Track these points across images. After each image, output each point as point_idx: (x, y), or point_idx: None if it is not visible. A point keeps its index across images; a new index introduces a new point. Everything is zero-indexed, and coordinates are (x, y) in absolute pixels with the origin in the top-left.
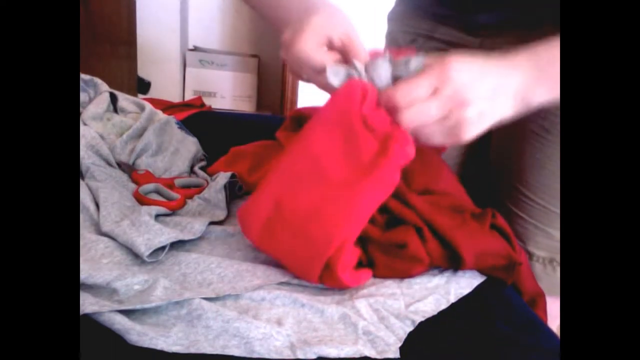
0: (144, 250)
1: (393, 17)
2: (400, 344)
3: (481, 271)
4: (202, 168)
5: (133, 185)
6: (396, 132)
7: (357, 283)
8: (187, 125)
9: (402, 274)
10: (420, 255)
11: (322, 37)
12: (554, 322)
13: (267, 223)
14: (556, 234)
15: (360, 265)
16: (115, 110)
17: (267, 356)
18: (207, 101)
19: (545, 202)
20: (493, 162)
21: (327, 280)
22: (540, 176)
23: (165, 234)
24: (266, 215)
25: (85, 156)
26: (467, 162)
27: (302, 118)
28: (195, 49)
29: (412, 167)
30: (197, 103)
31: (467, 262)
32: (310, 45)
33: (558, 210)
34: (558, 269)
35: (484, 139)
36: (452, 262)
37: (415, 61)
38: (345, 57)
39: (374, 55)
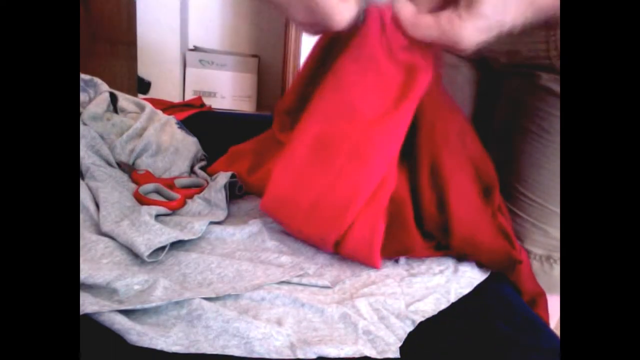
0: (144, 250)
1: None
2: (400, 344)
3: (479, 264)
4: (202, 168)
5: (133, 185)
6: (417, 57)
7: (374, 254)
8: (187, 125)
9: (403, 246)
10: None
11: None
12: (552, 319)
13: (300, 173)
14: (553, 231)
15: None
16: (115, 110)
17: (267, 356)
18: (207, 101)
19: (543, 200)
20: (492, 161)
21: (347, 242)
22: (538, 175)
23: (165, 234)
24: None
25: (85, 156)
26: None
27: (293, 110)
28: (195, 49)
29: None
30: (197, 103)
31: (454, 234)
32: None
33: (556, 209)
34: (555, 266)
35: (483, 139)
36: (443, 232)
37: None
38: None
39: None
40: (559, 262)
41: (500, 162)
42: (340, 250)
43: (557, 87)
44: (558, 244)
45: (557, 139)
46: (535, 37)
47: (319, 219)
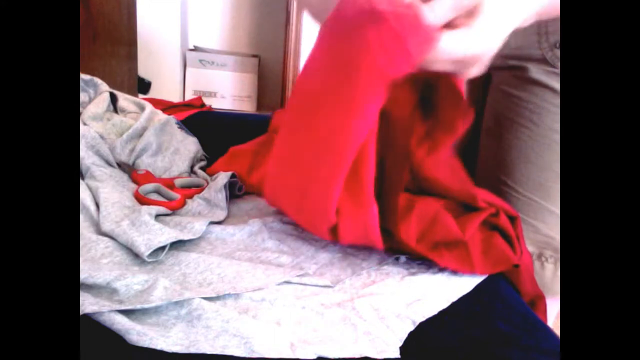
0: (144, 250)
1: None
2: (400, 344)
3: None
4: (202, 168)
5: (133, 185)
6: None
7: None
8: (187, 125)
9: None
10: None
11: None
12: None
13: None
14: (543, 227)
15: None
16: (115, 110)
17: (267, 356)
18: (207, 101)
19: (531, 193)
20: (481, 157)
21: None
22: (527, 170)
23: (165, 234)
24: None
25: (85, 156)
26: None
27: None
28: (195, 49)
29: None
30: (197, 103)
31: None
32: None
33: (546, 204)
34: (547, 265)
35: (474, 136)
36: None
37: None
38: None
39: None
40: (550, 260)
41: (489, 157)
42: (339, 239)
43: (546, 79)
44: (549, 240)
45: (547, 132)
46: (527, 29)
47: (308, 210)
